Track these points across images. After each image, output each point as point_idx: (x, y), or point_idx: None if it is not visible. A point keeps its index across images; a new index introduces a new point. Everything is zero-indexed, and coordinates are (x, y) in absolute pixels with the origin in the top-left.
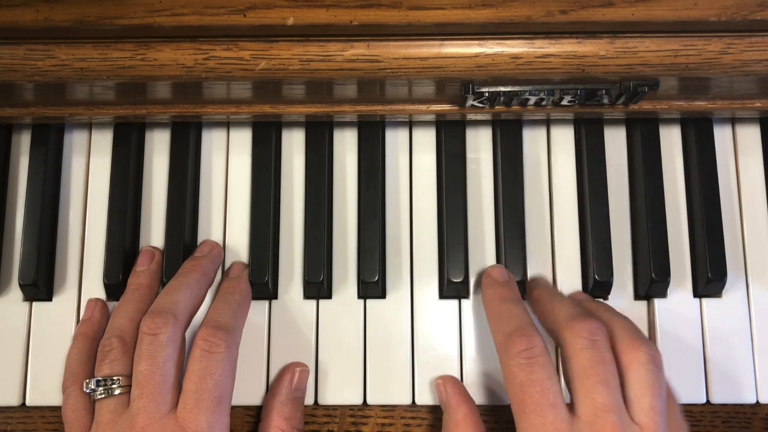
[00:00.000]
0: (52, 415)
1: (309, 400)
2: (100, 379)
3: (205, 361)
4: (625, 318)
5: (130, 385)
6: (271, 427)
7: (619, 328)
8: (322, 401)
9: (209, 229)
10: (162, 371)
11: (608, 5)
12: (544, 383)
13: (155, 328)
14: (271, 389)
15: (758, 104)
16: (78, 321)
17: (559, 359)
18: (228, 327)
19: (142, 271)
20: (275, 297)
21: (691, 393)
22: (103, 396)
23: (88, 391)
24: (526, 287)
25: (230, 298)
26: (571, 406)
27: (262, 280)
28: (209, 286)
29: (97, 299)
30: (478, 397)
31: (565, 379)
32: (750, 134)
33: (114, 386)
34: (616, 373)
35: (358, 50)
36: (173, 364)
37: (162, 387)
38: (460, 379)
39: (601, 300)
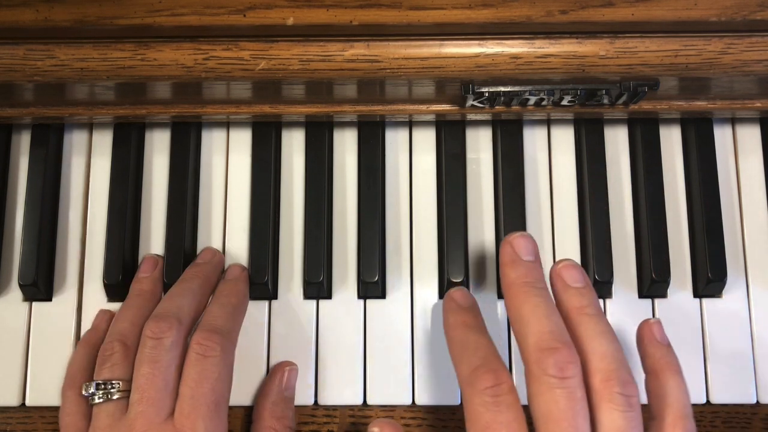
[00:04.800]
0: (51, 415)
1: (309, 400)
2: (99, 382)
3: (200, 365)
4: (607, 339)
5: (129, 390)
6: (264, 428)
7: (597, 356)
8: (322, 401)
9: (209, 229)
10: (164, 375)
11: (608, 5)
12: (510, 426)
13: (159, 332)
14: (261, 390)
15: (758, 104)
16: (78, 321)
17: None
18: (223, 330)
19: (145, 277)
20: (275, 297)
21: (691, 393)
22: (101, 400)
23: (86, 394)
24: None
25: (226, 301)
26: None
27: (262, 280)
28: (211, 292)
29: (106, 311)
30: None
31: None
32: (750, 134)
33: (113, 390)
34: (587, 415)
35: (358, 50)
36: (175, 369)
37: (163, 392)
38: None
39: (599, 301)
